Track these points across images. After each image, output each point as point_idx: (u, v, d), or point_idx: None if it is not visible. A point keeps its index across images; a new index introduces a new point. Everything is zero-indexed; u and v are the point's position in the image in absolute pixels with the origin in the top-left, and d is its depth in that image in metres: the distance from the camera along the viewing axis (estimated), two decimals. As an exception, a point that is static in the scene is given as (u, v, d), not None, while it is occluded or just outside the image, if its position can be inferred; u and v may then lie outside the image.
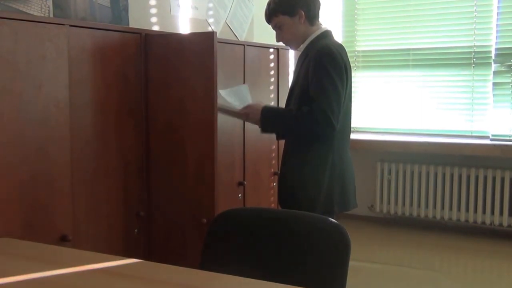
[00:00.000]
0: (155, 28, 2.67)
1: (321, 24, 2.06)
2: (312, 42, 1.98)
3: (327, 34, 2.00)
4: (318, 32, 1.99)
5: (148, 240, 2.19)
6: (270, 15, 2.00)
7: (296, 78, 2.00)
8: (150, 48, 2.16)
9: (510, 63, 3.92)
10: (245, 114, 2.01)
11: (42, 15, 2.08)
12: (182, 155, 2.31)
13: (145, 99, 2.16)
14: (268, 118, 1.94)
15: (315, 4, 2.03)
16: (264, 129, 1.98)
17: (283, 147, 2.10)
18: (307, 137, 1.93)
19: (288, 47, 2.12)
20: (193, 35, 2.41)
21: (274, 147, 3.14)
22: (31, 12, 2.04)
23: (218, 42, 2.65)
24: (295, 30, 1.96)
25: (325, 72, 1.84)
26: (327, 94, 1.83)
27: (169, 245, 2.31)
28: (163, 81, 2.26)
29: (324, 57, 1.86)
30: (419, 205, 4.16)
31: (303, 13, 1.96)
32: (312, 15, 1.99)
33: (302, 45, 2.00)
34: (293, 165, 1.98)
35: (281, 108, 2.07)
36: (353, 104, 2.15)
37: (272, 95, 3.13)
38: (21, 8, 2.00)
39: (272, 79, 3.13)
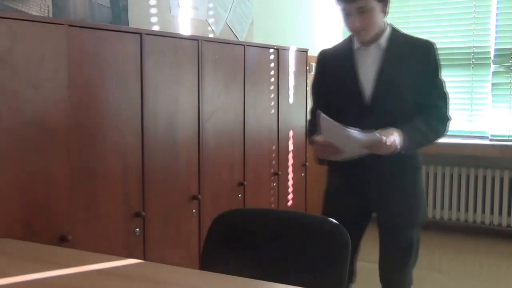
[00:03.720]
0: (155, 28, 2.67)
1: None
2: (393, 34, 1.90)
3: (393, 27, 1.94)
4: (388, 27, 1.91)
5: (148, 240, 2.18)
6: None
7: (390, 71, 1.85)
8: (149, 48, 2.16)
9: (509, 64, 3.93)
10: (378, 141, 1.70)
11: (41, 15, 2.08)
12: (175, 153, 2.32)
13: (144, 99, 2.16)
14: (411, 135, 1.79)
15: None
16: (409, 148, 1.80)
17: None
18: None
19: (357, 34, 1.88)
20: (190, 37, 2.41)
21: (274, 147, 3.14)
22: (30, 12, 2.03)
23: (218, 42, 2.65)
24: (377, 19, 1.84)
25: (438, 69, 1.88)
26: (443, 95, 1.90)
27: (167, 245, 2.31)
28: (163, 81, 2.26)
29: (436, 52, 1.87)
30: (418, 206, 4.16)
31: (388, 2, 1.89)
32: (388, 9, 1.90)
33: (381, 36, 1.88)
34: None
35: (409, 124, 1.84)
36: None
37: (272, 95, 3.13)
38: (19, 8, 2.00)
39: (272, 79, 3.13)
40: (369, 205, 2.00)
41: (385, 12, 1.85)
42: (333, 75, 1.95)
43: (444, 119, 1.90)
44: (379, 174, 1.89)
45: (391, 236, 2.02)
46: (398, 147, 1.74)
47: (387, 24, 1.92)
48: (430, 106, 1.88)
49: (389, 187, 1.92)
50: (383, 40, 1.88)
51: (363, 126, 1.74)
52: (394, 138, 1.72)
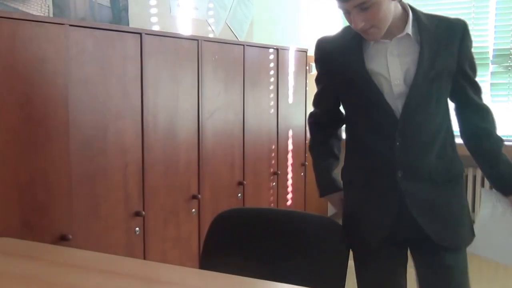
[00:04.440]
0: (155, 28, 2.68)
1: None
2: (417, 17, 1.48)
3: (417, 11, 1.50)
4: (410, 12, 1.48)
5: (148, 239, 2.19)
6: None
7: (428, 71, 1.45)
8: (150, 48, 2.16)
9: (508, 64, 3.93)
10: None
11: (42, 14, 2.08)
12: (175, 153, 2.33)
13: (144, 99, 2.16)
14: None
15: None
16: None
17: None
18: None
19: (365, 34, 1.42)
20: (190, 37, 2.41)
21: (273, 147, 3.15)
22: (31, 12, 2.04)
23: (218, 42, 2.66)
24: (388, 9, 1.38)
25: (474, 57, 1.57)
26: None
27: (167, 244, 2.31)
28: (163, 81, 2.26)
29: (469, 34, 1.54)
30: (417, 205, 4.17)
31: None
32: None
33: (406, 23, 1.46)
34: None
35: (497, 159, 1.59)
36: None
37: (272, 95, 3.14)
38: (20, 8, 2.00)
39: (272, 79, 3.14)
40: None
41: None
42: (344, 75, 1.51)
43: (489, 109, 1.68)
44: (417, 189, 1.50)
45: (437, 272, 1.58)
46: None
47: (408, 6, 1.48)
48: (480, 109, 1.63)
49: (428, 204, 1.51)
50: (409, 28, 1.44)
51: (389, 140, 1.46)
52: None
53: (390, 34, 1.45)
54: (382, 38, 1.45)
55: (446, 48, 1.47)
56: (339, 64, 1.51)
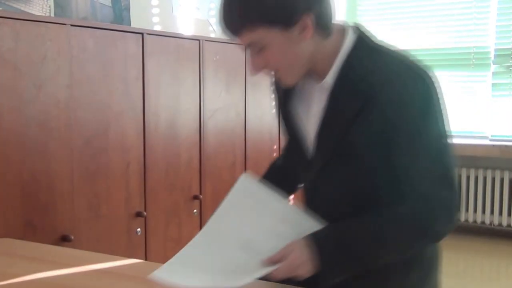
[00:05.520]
0: (157, 28, 2.68)
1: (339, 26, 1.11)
2: (353, 57, 1.08)
3: (362, 43, 1.08)
4: (346, 47, 1.08)
5: (149, 239, 2.19)
6: (240, 24, 1.05)
7: (333, 129, 1.09)
8: (151, 48, 2.16)
9: (509, 64, 3.93)
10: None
11: (43, 14, 2.08)
12: (177, 153, 2.33)
13: (146, 99, 2.16)
14: (332, 252, 1.04)
15: (327, 4, 1.06)
16: (330, 274, 1.03)
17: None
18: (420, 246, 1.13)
19: (275, 81, 1.20)
20: (192, 36, 2.41)
21: (275, 147, 3.15)
22: (32, 12, 2.03)
23: (220, 42, 2.66)
24: (297, 51, 1.06)
25: (416, 123, 1.04)
26: (443, 171, 1.05)
27: (169, 245, 2.31)
28: (164, 81, 2.26)
29: (405, 98, 1.03)
30: (418, 205, 4.16)
31: (310, 21, 1.02)
32: (324, 22, 1.05)
33: (331, 67, 1.09)
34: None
35: (346, 224, 1.10)
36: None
37: (273, 95, 3.14)
38: (22, 8, 2.00)
39: (273, 80, 3.14)
40: None
41: (309, 36, 1.04)
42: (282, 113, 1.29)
43: (439, 211, 1.05)
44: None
45: None
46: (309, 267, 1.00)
47: (343, 43, 1.08)
48: (413, 196, 1.05)
49: None
50: (332, 74, 1.08)
51: (311, 192, 1.15)
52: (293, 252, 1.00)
53: (320, 76, 1.11)
54: (313, 79, 1.12)
55: (358, 115, 1.05)
56: (276, 91, 1.30)
